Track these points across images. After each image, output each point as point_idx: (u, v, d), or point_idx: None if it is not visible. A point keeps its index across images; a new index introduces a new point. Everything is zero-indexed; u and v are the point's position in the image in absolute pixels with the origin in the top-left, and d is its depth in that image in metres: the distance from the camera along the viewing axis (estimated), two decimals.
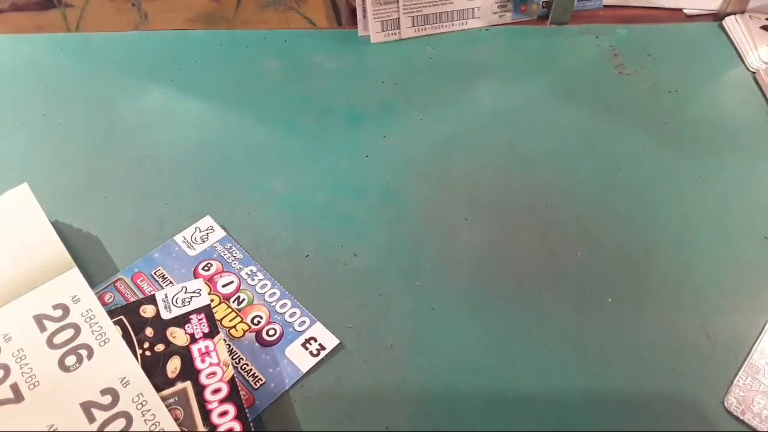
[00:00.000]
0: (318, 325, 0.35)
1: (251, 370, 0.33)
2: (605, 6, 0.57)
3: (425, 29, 0.54)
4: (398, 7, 0.53)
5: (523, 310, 0.36)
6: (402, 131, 0.46)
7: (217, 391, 0.31)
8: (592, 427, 0.31)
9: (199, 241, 0.38)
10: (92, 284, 0.36)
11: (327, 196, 0.41)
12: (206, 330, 0.34)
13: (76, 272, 0.36)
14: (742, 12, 0.54)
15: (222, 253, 0.38)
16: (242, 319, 0.35)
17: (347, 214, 0.40)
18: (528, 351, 0.34)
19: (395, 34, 0.54)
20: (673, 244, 0.39)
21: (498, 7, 0.55)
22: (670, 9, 0.56)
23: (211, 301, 0.35)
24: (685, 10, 0.56)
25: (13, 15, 0.56)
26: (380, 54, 0.53)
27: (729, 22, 0.54)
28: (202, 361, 0.32)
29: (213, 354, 0.32)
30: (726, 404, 0.31)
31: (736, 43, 0.52)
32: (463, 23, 0.55)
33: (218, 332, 0.33)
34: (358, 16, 0.53)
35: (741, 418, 0.31)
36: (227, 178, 0.43)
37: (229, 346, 0.34)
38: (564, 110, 0.48)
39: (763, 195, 0.41)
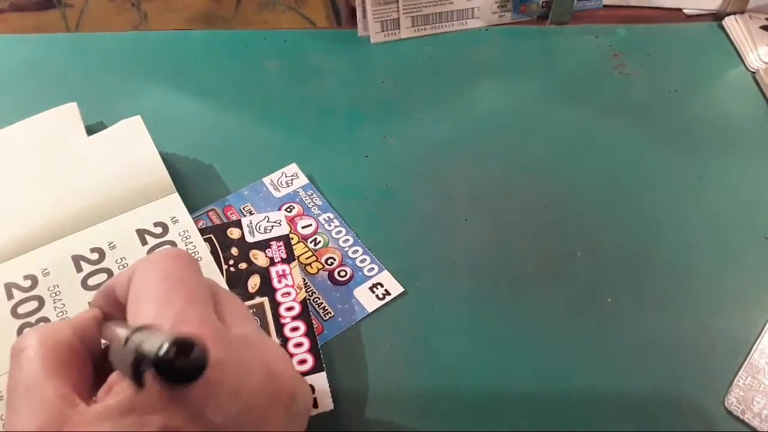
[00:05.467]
0: (385, 272, 0.37)
1: (322, 303, 0.36)
2: (605, 6, 0.57)
3: (425, 29, 0.54)
4: (398, 7, 0.53)
5: (523, 310, 0.36)
6: (402, 131, 0.46)
7: (290, 308, 0.35)
8: (592, 427, 0.31)
9: (284, 185, 0.42)
10: (189, 211, 0.39)
11: (326, 196, 0.41)
12: (284, 255, 0.37)
13: (176, 197, 0.40)
14: (742, 12, 0.54)
15: (304, 198, 0.41)
16: (317, 258, 0.38)
17: (347, 214, 0.40)
18: (528, 351, 0.34)
19: (395, 34, 0.54)
20: (673, 244, 0.39)
21: (498, 7, 0.55)
22: (670, 9, 0.56)
23: (291, 238, 0.39)
24: (684, 10, 0.56)
25: (13, 15, 0.56)
26: (380, 54, 0.53)
27: (729, 22, 0.54)
28: (279, 281, 0.36)
29: (289, 277, 0.36)
30: (726, 404, 0.31)
31: (735, 43, 0.52)
32: (462, 23, 0.55)
33: (294, 259, 0.37)
34: (357, 16, 0.53)
35: (741, 418, 0.31)
36: (225, 179, 0.43)
37: (304, 279, 0.37)
38: (564, 110, 0.48)
39: (763, 195, 0.41)
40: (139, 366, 0.19)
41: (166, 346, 0.18)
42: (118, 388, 0.21)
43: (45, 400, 0.21)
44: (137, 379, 0.19)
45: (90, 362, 0.24)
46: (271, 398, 0.22)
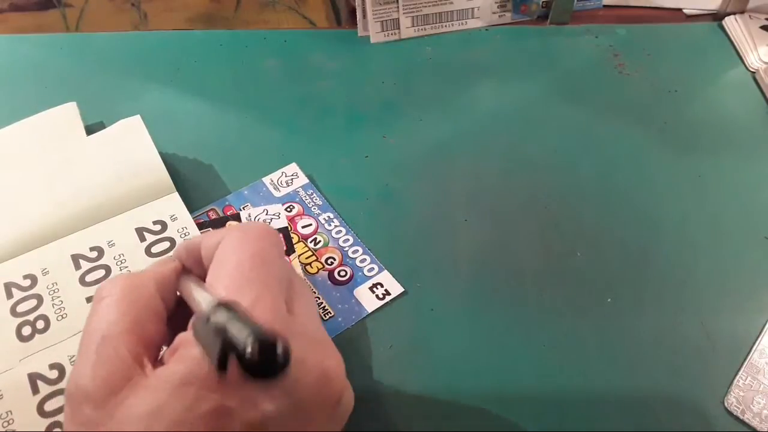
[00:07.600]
0: (385, 272, 0.37)
1: (322, 303, 0.36)
2: (605, 6, 0.57)
3: (425, 29, 0.54)
4: (398, 7, 0.53)
5: (523, 310, 0.36)
6: (402, 131, 0.46)
7: None
8: (592, 427, 0.31)
9: (284, 184, 0.42)
10: (188, 211, 0.39)
11: (326, 196, 0.41)
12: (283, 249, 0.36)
13: (176, 196, 0.40)
14: (742, 12, 0.54)
15: (303, 198, 0.41)
16: (317, 258, 0.38)
17: (347, 214, 0.40)
18: (528, 351, 0.34)
19: (395, 34, 0.54)
20: (673, 244, 0.39)
21: (498, 7, 0.55)
22: (669, 9, 0.56)
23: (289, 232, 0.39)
24: (684, 10, 0.56)
25: (13, 15, 0.56)
26: (380, 54, 0.53)
27: (729, 22, 0.54)
28: None
29: None
30: (726, 404, 0.31)
31: (735, 43, 0.52)
32: (462, 23, 0.55)
33: (293, 251, 0.37)
34: (357, 16, 0.53)
35: (741, 418, 0.31)
36: (225, 179, 0.43)
37: (304, 279, 0.37)
38: (564, 110, 0.48)
39: (763, 195, 0.41)
40: (225, 353, 0.19)
41: (252, 344, 0.18)
42: (182, 353, 0.21)
43: (116, 354, 0.21)
44: (222, 364, 0.20)
45: (166, 319, 0.25)
46: (321, 400, 0.23)
